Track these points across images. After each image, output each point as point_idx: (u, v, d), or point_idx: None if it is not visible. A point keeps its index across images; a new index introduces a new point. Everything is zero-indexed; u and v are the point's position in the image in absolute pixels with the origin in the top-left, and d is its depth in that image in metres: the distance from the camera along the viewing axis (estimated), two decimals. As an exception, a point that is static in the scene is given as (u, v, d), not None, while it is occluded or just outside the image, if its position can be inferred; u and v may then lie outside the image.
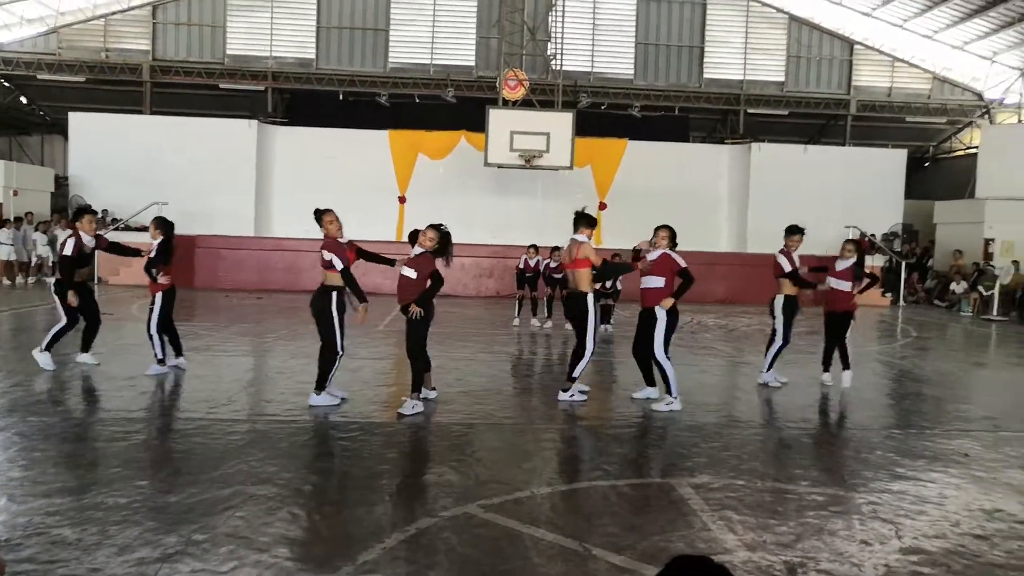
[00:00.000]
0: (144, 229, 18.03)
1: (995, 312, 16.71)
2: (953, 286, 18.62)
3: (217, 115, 22.11)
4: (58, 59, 23.25)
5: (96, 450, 5.31)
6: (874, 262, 19.49)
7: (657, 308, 6.83)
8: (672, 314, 6.88)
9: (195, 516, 4.07)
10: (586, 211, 7.33)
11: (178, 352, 8.12)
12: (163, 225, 7.99)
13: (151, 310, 7.87)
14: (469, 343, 10.83)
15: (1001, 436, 6.43)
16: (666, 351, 6.87)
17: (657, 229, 7.01)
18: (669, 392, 6.86)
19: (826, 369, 8.39)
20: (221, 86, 23.82)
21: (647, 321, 6.94)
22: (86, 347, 8.17)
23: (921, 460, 5.58)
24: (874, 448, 5.88)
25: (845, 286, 8.20)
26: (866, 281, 8.29)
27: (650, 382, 7.22)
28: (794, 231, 8.16)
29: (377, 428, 6.14)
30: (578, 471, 5.34)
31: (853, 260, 8.23)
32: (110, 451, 5.24)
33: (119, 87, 23.75)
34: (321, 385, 6.61)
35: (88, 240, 7.94)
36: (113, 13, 23.49)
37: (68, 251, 7.81)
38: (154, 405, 6.75)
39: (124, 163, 19.46)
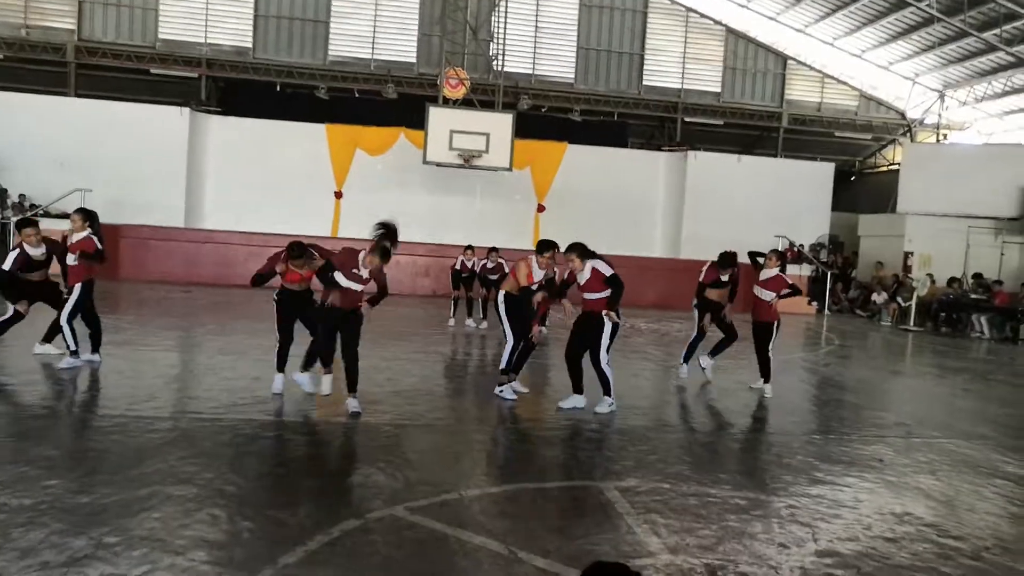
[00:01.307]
0: (64, 216, 17.35)
1: (912, 322, 17.46)
2: (874, 296, 19.37)
3: (147, 101, 21.34)
4: (-26, 34, 22.11)
5: (2, 448, 5.05)
6: (802, 272, 20.15)
7: (604, 314, 6.74)
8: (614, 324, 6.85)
9: (108, 518, 3.91)
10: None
11: (95, 347, 7.81)
12: (90, 216, 7.70)
13: (66, 300, 7.57)
14: (402, 342, 10.73)
15: (913, 442, 6.71)
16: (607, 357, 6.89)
17: (567, 252, 6.96)
18: (608, 393, 6.92)
19: (766, 379, 8.35)
20: (152, 71, 23.02)
21: (588, 326, 6.87)
22: (49, 338, 8.06)
23: (839, 465, 5.78)
24: (795, 453, 6.06)
25: (768, 296, 8.32)
26: (786, 291, 8.30)
27: (578, 390, 7.06)
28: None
29: (304, 428, 6.02)
30: (507, 473, 5.34)
31: (776, 270, 8.34)
32: (19, 448, 4.99)
33: (42, 67, 22.71)
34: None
35: (35, 251, 7.54)
36: (36, -11, 22.47)
37: (6, 266, 7.45)
38: (70, 400, 6.47)
39: (47, 147, 18.60)
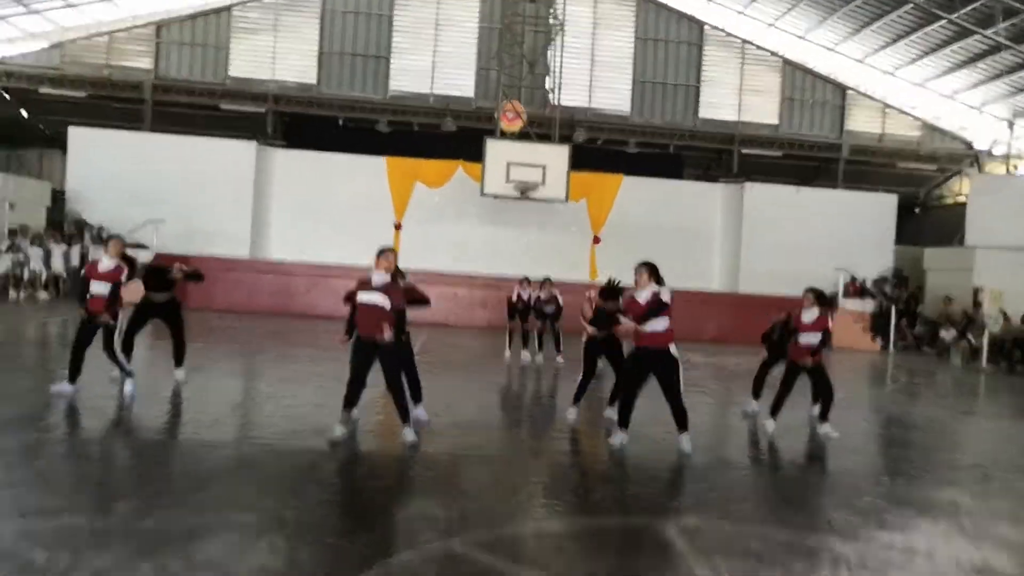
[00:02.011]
0: (139, 246, 18.04)
1: (984, 361, 16.76)
2: (942, 333, 18.68)
3: (217, 135, 22.14)
4: (60, 74, 23.34)
5: (75, 471, 5.22)
6: (864, 307, 19.61)
7: (672, 348, 6.42)
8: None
9: (172, 542, 3.99)
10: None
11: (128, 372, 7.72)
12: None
13: (117, 327, 7.52)
14: (459, 373, 10.78)
15: (990, 486, 6.41)
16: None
17: (638, 268, 6.60)
18: (687, 429, 6.58)
19: (772, 414, 7.79)
20: (222, 107, 23.93)
21: (658, 365, 6.48)
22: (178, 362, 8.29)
23: (910, 509, 5.55)
24: (863, 494, 5.85)
25: (814, 339, 7.58)
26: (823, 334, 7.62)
27: (624, 424, 6.69)
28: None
29: (363, 457, 6.08)
30: (564, 508, 5.28)
31: (816, 311, 7.65)
32: (89, 472, 5.16)
33: (120, 104, 23.81)
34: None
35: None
36: (117, 31, 23.63)
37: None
38: (138, 425, 6.67)
39: (122, 179, 19.42)
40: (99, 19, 23.27)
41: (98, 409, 7.05)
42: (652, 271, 6.53)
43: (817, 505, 5.65)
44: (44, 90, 23.64)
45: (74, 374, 7.24)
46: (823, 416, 7.69)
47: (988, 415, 11.26)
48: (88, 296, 7.30)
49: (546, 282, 12.39)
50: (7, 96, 24.06)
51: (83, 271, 7.71)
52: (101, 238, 18.44)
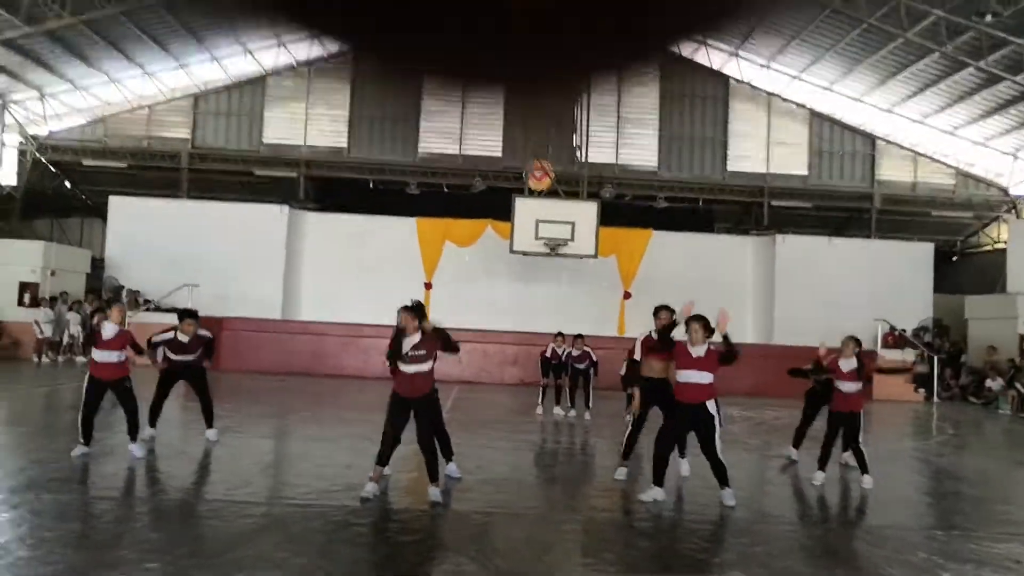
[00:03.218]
0: (173, 311, 18.34)
1: (1034, 410, 16.17)
2: (989, 382, 18.12)
3: (250, 200, 22.66)
4: (103, 146, 24.21)
5: (107, 530, 5.19)
6: (905, 357, 19.12)
7: (709, 403, 6.34)
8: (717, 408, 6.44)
9: (203, 602, 3.91)
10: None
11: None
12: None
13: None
14: (491, 430, 10.64)
15: (1050, 540, 6.07)
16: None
17: (689, 322, 6.57)
18: (728, 484, 6.46)
19: (821, 467, 7.72)
20: (256, 172, 24.55)
21: (696, 420, 6.41)
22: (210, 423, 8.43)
23: (968, 564, 5.26)
24: (915, 549, 5.57)
25: (853, 387, 7.74)
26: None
27: (659, 482, 6.53)
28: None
29: (395, 514, 5.97)
30: (600, 566, 5.10)
31: (854, 359, 7.79)
32: (122, 532, 5.12)
33: (158, 172, 24.56)
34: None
35: (183, 338, 8.20)
36: (158, 103, 24.55)
37: (156, 339, 8.26)
38: (169, 485, 6.64)
39: (159, 245, 19.88)
40: (140, 93, 24.21)
41: (135, 471, 7.05)
42: (707, 326, 6.47)
43: (869, 560, 5.39)
44: (87, 162, 24.52)
45: (87, 436, 7.32)
46: (863, 468, 7.55)
47: (1043, 466, 10.79)
48: (94, 361, 7.45)
49: (578, 338, 12.30)
50: (54, 170, 24.97)
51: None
52: (137, 303, 18.82)
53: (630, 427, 7.60)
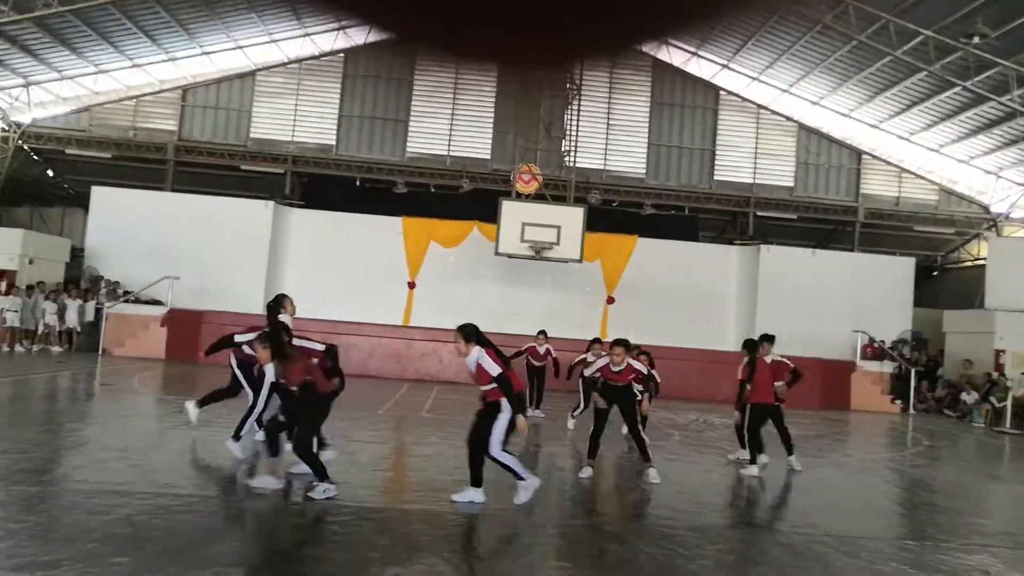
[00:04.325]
0: (155, 303, 18.20)
1: (1008, 424, 16.36)
2: (964, 396, 18.32)
3: (236, 195, 22.51)
4: (88, 135, 23.97)
5: (77, 524, 5.11)
6: (883, 368, 19.32)
7: (502, 401, 6.12)
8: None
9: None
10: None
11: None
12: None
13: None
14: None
15: (1022, 553, 6.14)
16: (504, 446, 6.22)
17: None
18: (521, 477, 6.26)
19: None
20: (242, 168, 24.39)
21: (491, 414, 6.23)
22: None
23: (939, 574, 5.30)
24: (888, 560, 5.61)
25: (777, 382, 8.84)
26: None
27: (476, 482, 6.34)
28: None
29: (370, 514, 5.93)
30: (577, 570, 5.09)
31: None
32: (91, 525, 5.05)
33: (144, 164, 24.34)
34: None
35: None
36: (145, 95, 24.35)
37: (238, 338, 7.92)
38: (142, 479, 6.57)
39: (141, 237, 19.70)
40: (128, 84, 24.00)
41: (101, 463, 6.97)
42: (468, 333, 6.30)
43: (842, 570, 5.41)
44: (71, 151, 24.26)
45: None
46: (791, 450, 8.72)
47: (1015, 480, 10.91)
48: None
49: (540, 334, 12.31)
50: (36, 158, 24.70)
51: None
52: (116, 294, 18.64)
53: (593, 427, 7.84)
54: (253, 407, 7.41)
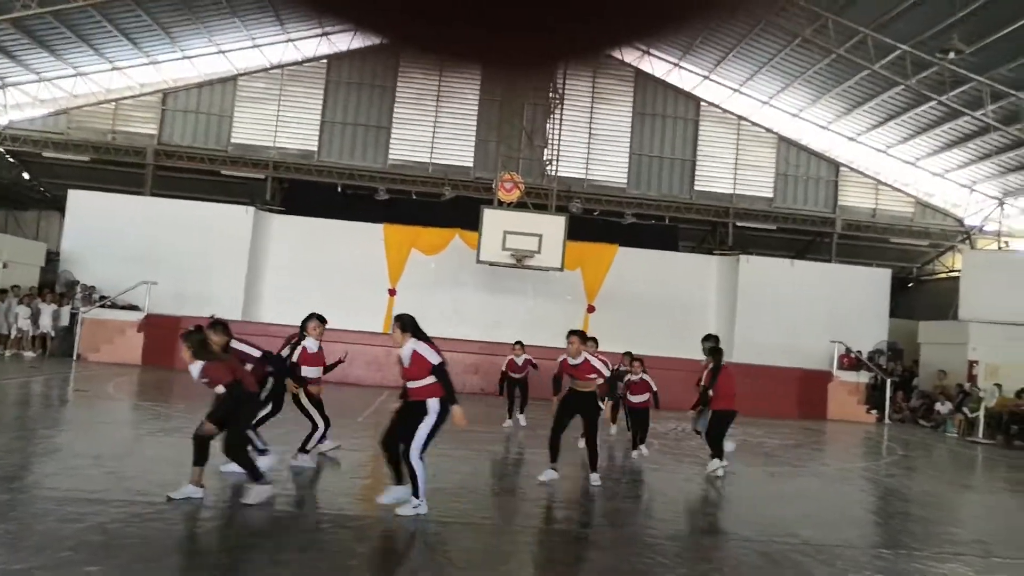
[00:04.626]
0: (133, 308, 18.00)
1: (981, 434, 16.58)
2: (938, 406, 18.55)
3: (216, 200, 22.34)
4: (66, 138, 23.70)
5: (48, 531, 5.04)
6: (859, 378, 19.52)
7: (429, 401, 5.93)
8: (442, 413, 6.01)
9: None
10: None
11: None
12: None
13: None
14: (448, 439, 10.57)
15: (993, 562, 6.22)
16: (422, 452, 5.95)
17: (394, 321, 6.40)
18: (416, 494, 5.94)
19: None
20: (223, 172, 24.24)
21: (414, 414, 5.99)
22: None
23: (911, 583, 5.37)
24: (862, 568, 5.67)
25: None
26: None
27: (400, 480, 6.11)
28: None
29: (348, 521, 5.89)
30: (554, 577, 5.10)
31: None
32: (63, 533, 4.98)
33: (122, 168, 24.11)
34: None
35: (312, 345, 7.70)
36: (124, 98, 24.14)
37: (295, 359, 7.58)
38: (116, 487, 6.48)
39: (118, 242, 19.48)
40: (107, 87, 23.78)
41: (74, 471, 6.88)
42: (405, 325, 6.26)
43: (816, 578, 5.46)
44: (48, 154, 23.98)
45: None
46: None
47: (987, 489, 11.06)
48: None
49: (517, 345, 12.29)
50: (12, 160, 24.38)
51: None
52: (91, 299, 18.42)
53: (552, 429, 7.85)
54: (266, 417, 7.43)
